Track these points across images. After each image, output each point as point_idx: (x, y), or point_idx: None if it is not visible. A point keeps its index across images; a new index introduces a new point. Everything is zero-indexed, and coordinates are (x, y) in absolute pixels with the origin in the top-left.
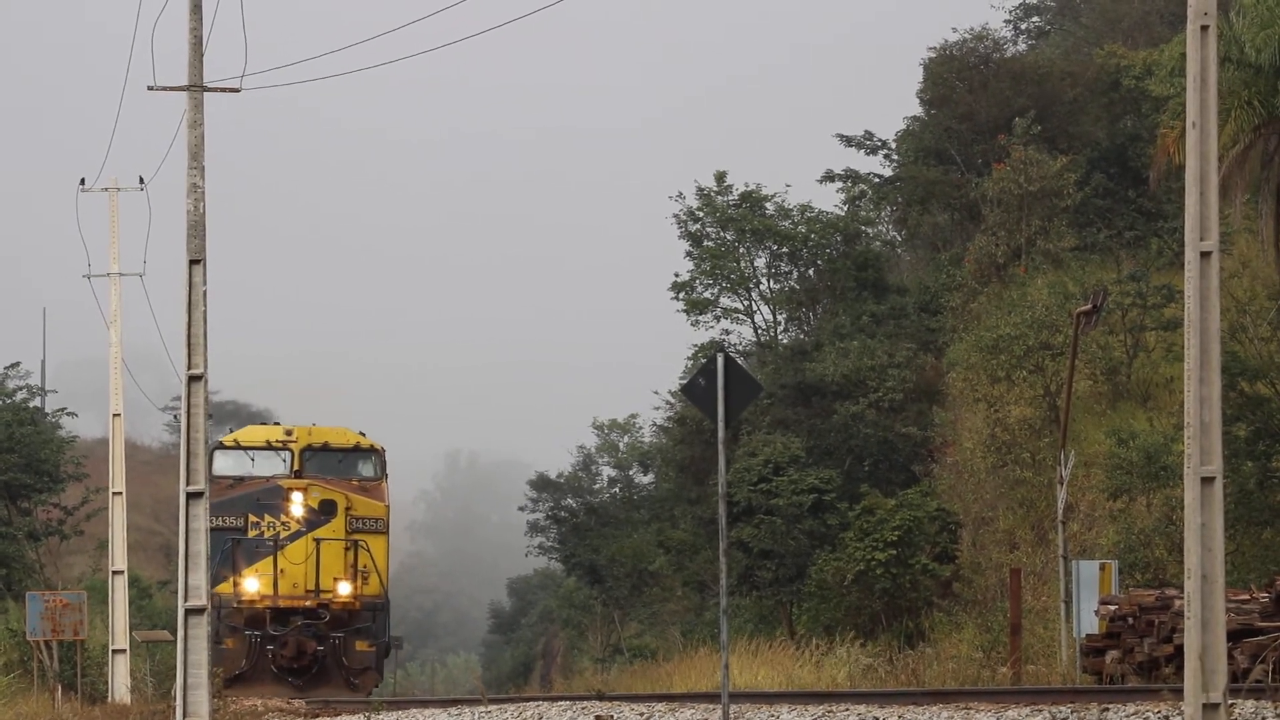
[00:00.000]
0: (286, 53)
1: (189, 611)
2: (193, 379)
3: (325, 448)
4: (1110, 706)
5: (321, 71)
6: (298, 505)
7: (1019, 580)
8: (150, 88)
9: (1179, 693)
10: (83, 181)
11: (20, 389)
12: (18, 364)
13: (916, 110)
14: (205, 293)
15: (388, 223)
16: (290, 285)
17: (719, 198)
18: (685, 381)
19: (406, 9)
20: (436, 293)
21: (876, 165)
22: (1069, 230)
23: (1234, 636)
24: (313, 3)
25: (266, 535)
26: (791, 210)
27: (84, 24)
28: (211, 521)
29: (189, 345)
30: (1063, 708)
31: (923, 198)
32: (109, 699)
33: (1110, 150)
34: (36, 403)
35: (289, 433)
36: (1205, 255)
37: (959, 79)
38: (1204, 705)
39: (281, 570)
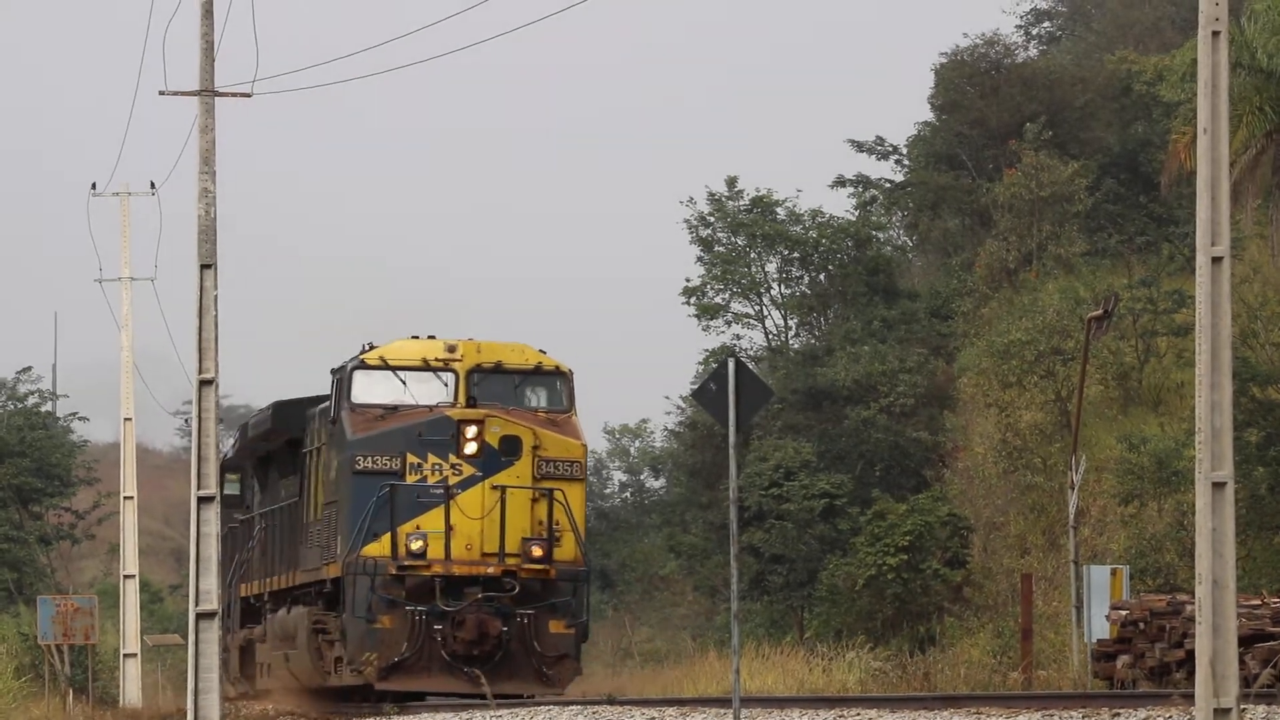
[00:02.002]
0: (302, 55)
1: (200, 616)
2: (203, 383)
3: (499, 369)
4: (1121, 712)
5: (339, 74)
6: (472, 442)
7: (1030, 585)
8: (161, 92)
9: (1190, 698)
10: (94, 186)
11: (31, 393)
12: (29, 368)
13: (928, 115)
14: (216, 297)
15: (400, 214)
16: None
17: (730, 203)
18: (696, 387)
19: (421, 12)
20: (433, 295)
21: (888, 170)
22: (1080, 235)
23: (1245, 642)
24: (329, 6)
25: (431, 480)
26: (803, 215)
27: (96, 25)
28: (357, 463)
29: (200, 350)
30: (1074, 713)
31: (934, 203)
32: (120, 703)
33: (1121, 156)
34: (47, 407)
35: (451, 349)
36: (1216, 261)
37: (970, 84)
38: (1215, 710)
39: (453, 527)
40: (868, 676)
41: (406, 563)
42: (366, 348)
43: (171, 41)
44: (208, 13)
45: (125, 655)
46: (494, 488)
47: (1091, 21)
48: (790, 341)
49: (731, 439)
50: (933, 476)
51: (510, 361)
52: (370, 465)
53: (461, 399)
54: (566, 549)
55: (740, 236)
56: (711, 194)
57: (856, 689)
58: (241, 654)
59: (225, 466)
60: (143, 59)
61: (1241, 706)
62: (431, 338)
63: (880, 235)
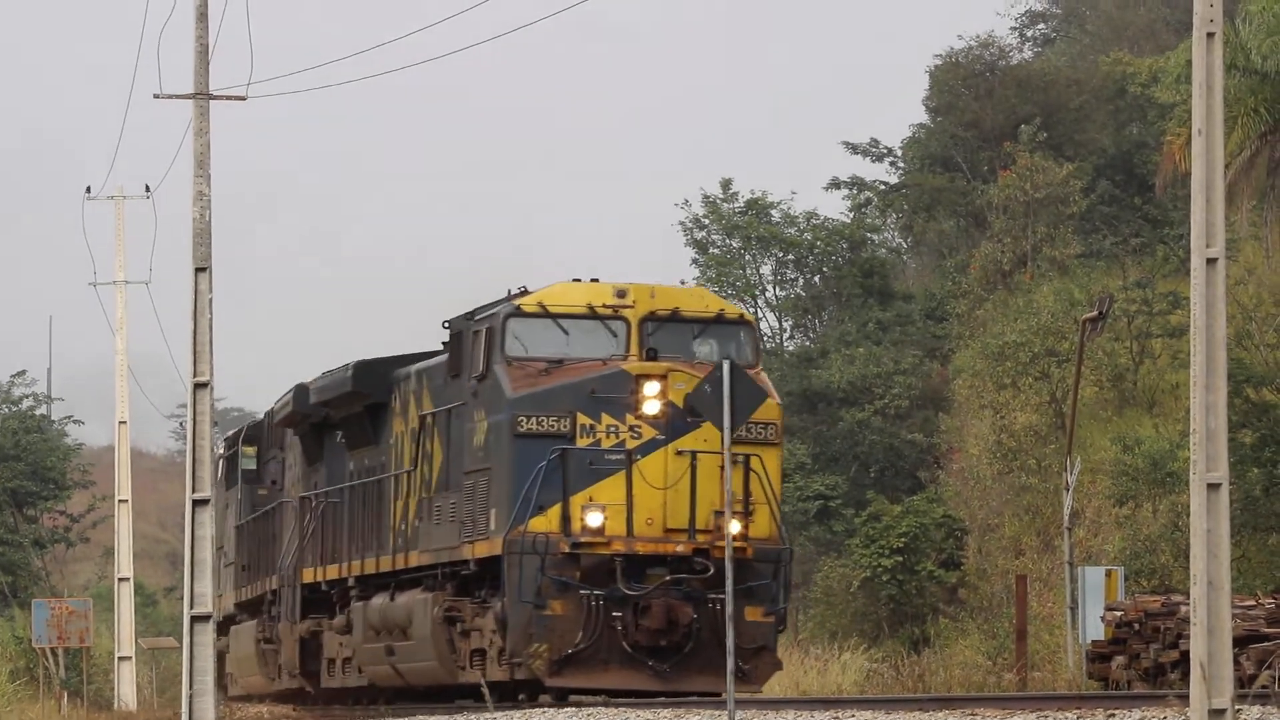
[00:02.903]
0: (297, 59)
1: (195, 619)
2: (198, 386)
3: (675, 317)
4: (1116, 712)
5: (332, 77)
6: (653, 401)
7: (1025, 586)
8: (156, 95)
9: (1185, 699)
10: (89, 190)
11: (26, 397)
12: (23, 372)
13: (923, 117)
14: (211, 300)
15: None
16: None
17: (725, 205)
18: (691, 389)
19: (417, 14)
20: (421, 300)
21: (882, 172)
22: (1075, 237)
23: (1240, 643)
24: (323, 8)
25: (607, 444)
26: (797, 217)
27: (94, 27)
28: (520, 424)
29: (194, 353)
30: (1069, 714)
31: (929, 205)
32: (115, 706)
33: (1116, 157)
34: (42, 410)
35: (621, 293)
36: (1211, 262)
37: (965, 86)
38: (1210, 711)
39: (634, 498)
40: (862, 678)
41: (583, 540)
42: (518, 291)
43: (166, 45)
44: (202, 16)
45: (120, 658)
46: (679, 453)
47: (1086, 23)
48: (785, 344)
49: (725, 440)
50: (928, 478)
51: (688, 309)
52: (535, 427)
53: (635, 351)
54: (761, 524)
55: (735, 239)
56: (706, 196)
57: (852, 690)
58: (302, 647)
59: (243, 439)
60: (137, 62)
61: (1236, 707)
62: (595, 279)
63: (875, 237)
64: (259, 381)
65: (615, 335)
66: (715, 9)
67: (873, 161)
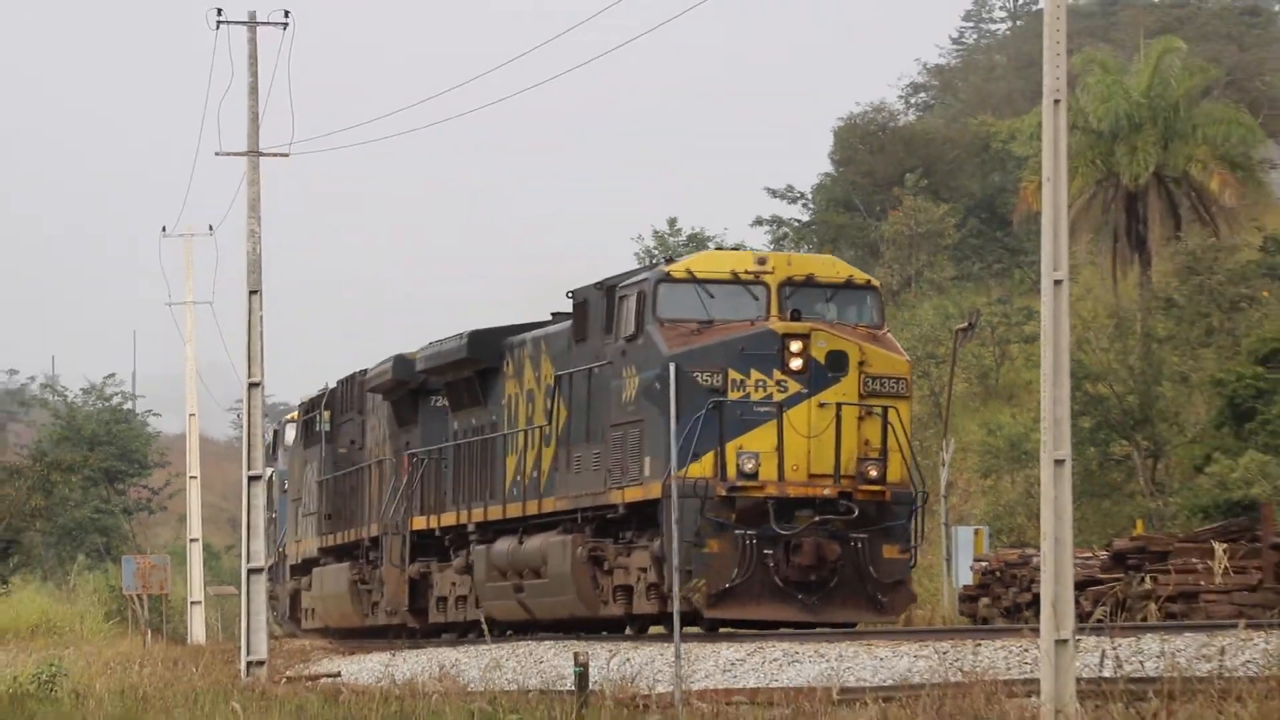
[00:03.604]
0: (337, 118)
1: (250, 571)
2: (251, 385)
3: (810, 282)
4: (982, 642)
5: (367, 135)
6: (798, 358)
7: None
8: (217, 153)
9: (1036, 631)
10: (164, 229)
11: (115, 394)
12: (113, 374)
13: (828, 167)
14: (261, 317)
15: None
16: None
17: (671, 238)
18: (644, 386)
19: (431, 82)
20: (403, 317)
21: (797, 212)
22: (949, 263)
23: (1080, 586)
24: (358, 74)
25: (755, 397)
26: (727, 248)
27: (165, 93)
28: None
29: (249, 358)
30: (945, 644)
31: (834, 238)
32: (188, 640)
33: (982, 199)
34: (129, 406)
35: (762, 260)
36: (1058, 283)
37: (861, 143)
38: (1056, 641)
39: (784, 446)
40: None
41: (739, 484)
42: (665, 260)
43: (226, 109)
44: (253, 90)
45: (191, 603)
46: (822, 405)
47: (958, 93)
48: None
49: (672, 431)
50: None
51: (822, 275)
52: (688, 381)
53: (775, 313)
54: (894, 470)
55: None
56: (656, 231)
57: None
58: (411, 587)
59: (322, 405)
60: (202, 125)
61: (1076, 637)
62: (736, 248)
63: None
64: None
65: (756, 299)
66: (673, 76)
67: (789, 203)
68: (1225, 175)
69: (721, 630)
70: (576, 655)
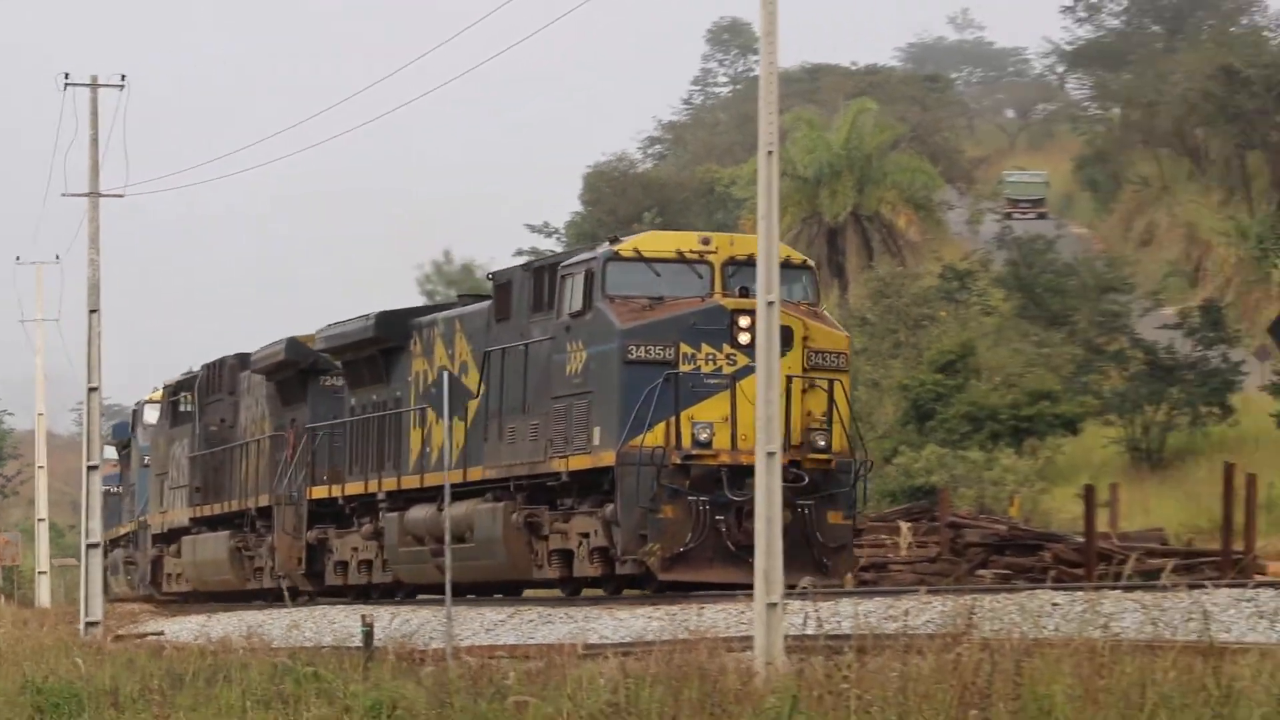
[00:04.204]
0: (175, 159)
1: (89, 546)
2: (91, 390)
3: (752, 261)
4: (706, 606)
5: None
6: (746, 333)
7: None
8: (63, 194)
9: (751, 596)
10: (18, 258)
11: None
12: None
13: (579, 207)
14: (100, 332)
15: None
16: None
17: (446, 268)
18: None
19: (270, 120)
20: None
21: (553, 244)
22: None
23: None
24: (196, 117)
25: (706, 370)
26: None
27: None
28: (629, 352)
29: (89, 367)
30: (675, 608)
31: None
32: (35, 605)
33: None
34: None
35: (705, 240)
36: (770, 304)
37: (606, 186)
38: (767, 604)
39: (737, 415)
40: None
41: (693, 452)
42: (611, 241)
43: (72, 157)
44: (94, 141)
45: (39, 573)
46: None
47: (687, 144)
48: None
49: (447, 421)
50: None
51: None
52: (644, 355)
53: (719, 290)
54: (837, 439)
55: (454, 290)
56: (434, 261)
57: None
58: (308, 552)
59: (188, 388)
60: (50, 168)
61: (784, 601)
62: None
63: None
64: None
65: (700, 277)
66: (454, 133)
67: (545, 237)
68: (910, 214)
69: (663, 593)
70: (364, 616)
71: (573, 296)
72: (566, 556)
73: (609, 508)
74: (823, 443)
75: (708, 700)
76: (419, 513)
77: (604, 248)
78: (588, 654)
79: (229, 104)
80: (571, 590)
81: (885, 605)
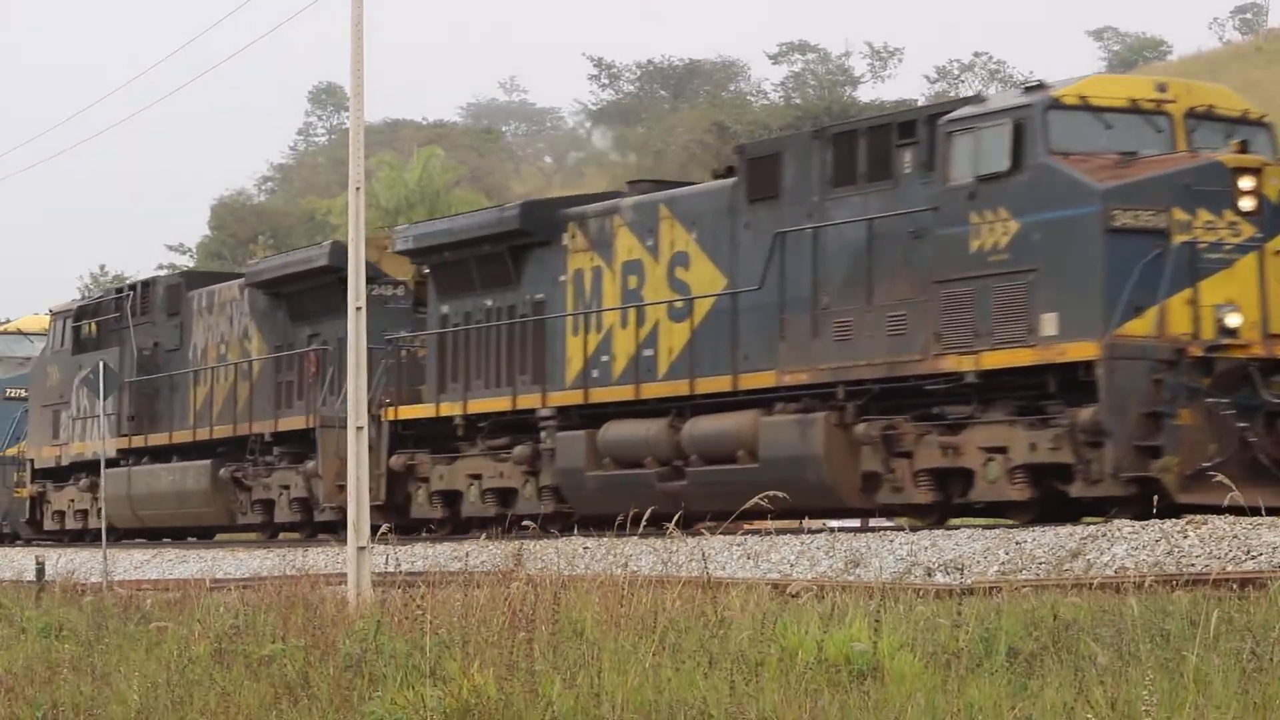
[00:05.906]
0: None
1: None
2: None
3: (1211, 114)
4: (310, 549)
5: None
6: (1248, 197)
7: None
8: None
9: (345, 542)
10: None
11: None
12: None
13: (207, 230)
14: None
15: None
16: None
17: (102, 278)
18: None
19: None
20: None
21: (186, 260)
22: None
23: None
24: None
25: (1207, 240)
26: None
27: None
28: (1113, 218)
29: None
30: (285, 550)
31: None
32: None
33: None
34: None
35: (1162, 88)
36: (359, 310)
37: (229, 214)
38: (358, 548)
39: (1268, 296)
40: None
41: (1223, 341)
42: (1035, 87)
43: None
44: None
45: None
46: (1278, 253)
47: (294, 181)
48: None
49: (101, 405)
50: None
51: (1221, 107)
52: (1131, 221)
53: (1183, 147)
54: None
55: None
56: (92, 273)
57: None
58: (391, 479)
59: (119, 308)
60: None
61: (372, 545)
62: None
63: None
64: None
65: (1160, 131)
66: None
67: (180, 254)
68: None
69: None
70: (36, 557)
71: (980, 155)
72: (941, 477)
73: (1090, 410)
74: None
75: (310, 624)
76: (631, 429)
77: (1030, 95)
78: (214, 586)
79: None
80: (936, 519)
81: (450, 550)
